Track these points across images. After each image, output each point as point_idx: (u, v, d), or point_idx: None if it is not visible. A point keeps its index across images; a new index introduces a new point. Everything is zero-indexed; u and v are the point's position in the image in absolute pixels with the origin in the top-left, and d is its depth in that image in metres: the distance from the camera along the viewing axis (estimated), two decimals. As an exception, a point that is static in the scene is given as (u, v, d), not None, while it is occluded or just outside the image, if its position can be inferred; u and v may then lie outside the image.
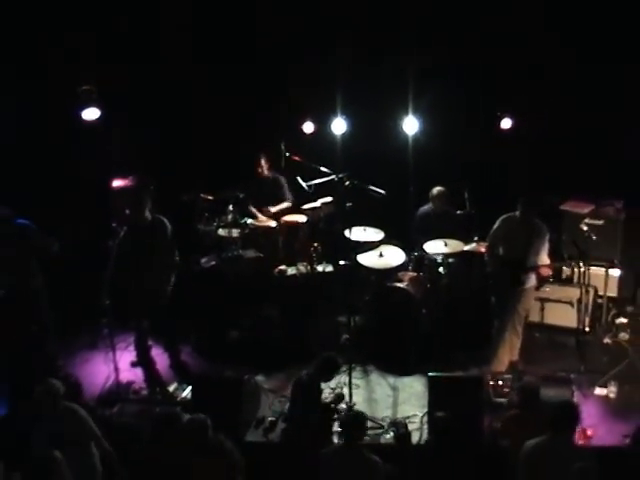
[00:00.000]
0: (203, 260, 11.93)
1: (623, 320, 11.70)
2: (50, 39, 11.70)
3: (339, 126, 11.89)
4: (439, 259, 11.55)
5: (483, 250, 11.19)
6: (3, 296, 10.30)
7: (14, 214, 10.40)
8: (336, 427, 9.41)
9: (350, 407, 9.93)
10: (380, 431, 9.70)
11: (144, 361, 10.64)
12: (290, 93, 12.58)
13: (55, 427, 7.87)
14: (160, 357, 10.94)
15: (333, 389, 10.39)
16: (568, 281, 11.91)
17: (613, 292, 11.93)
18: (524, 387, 8.59)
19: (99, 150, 11.51)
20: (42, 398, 7.91)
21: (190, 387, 10.29)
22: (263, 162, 12.41)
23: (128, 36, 12.03)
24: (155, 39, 12.23)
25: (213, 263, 11.87)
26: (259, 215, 12.40)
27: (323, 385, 9.67)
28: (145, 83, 12.11)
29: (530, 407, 8.28)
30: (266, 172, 12.47)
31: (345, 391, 10.12)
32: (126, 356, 10.99)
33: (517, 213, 10.53)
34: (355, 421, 8.00)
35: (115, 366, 10.30)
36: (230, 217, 11.97)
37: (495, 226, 10.77)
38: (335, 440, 9.24)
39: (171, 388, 10.53)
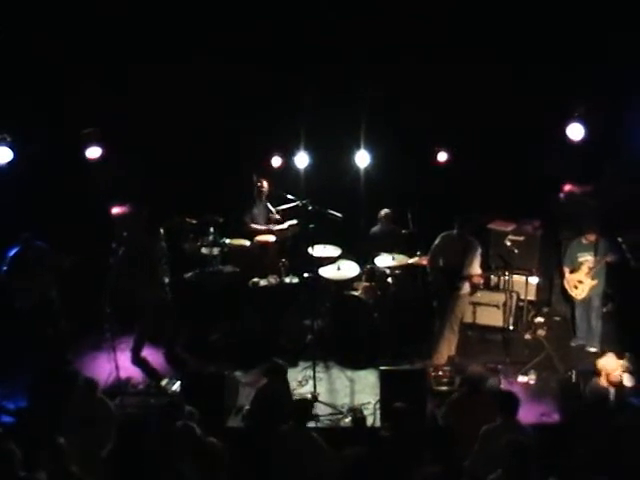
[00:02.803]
0: (189, 274, 11.95)
1: (540, 319, 12.13)
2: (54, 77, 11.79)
3: (302, 160, 12.04)
4: (388, 271, 11.66)
5: (425, 263, 11.28)
6: (26, 305, 10.50)
7: (32, 237, 10.61)
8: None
9: (314, 396, 10.09)
10: (340, 416, 9.84)
11: (139, 361, 10.80)
12: (261, 133, 12.64)
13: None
14: (155, 355, 11.10)
15: (300, 382, 10.60)
16: (495, 288, 12.01)
17: (532, 296, 12.09)
18: (470, 375, 8.71)
19: (101, 181, 11.55)
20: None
21: (179, 381, 10.34)
22: (265, 185, 12.60)
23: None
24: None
25: (197, 277, 11.90)
26: (258, 227, 12.48)
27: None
28: (139, 132, 12.15)
29: (475, 392, 8.44)
30: (265, 195, 12.64)
31: (310, 383, 10.33)
32: (125, 355, 11.02)
33: (454, 231, 10.74)
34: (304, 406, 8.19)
35: (116, 364, 10.38)
36: (211, 238, 11.98)
37: (436, 242, 10.95)
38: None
39: (163, 382, 10.54)
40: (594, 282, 11.05)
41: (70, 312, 11.19)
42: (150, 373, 10.69)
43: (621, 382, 8.74)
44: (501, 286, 11.80)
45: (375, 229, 12.47)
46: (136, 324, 10.92)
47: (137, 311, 10.80)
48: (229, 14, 12.13)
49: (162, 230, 10.85)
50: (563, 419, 9.35)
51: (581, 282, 11.11)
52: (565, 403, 9.48)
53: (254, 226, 12.48)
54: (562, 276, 11.56)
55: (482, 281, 11.16)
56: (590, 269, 11.02)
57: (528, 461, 6.81)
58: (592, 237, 11.02)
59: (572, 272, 11.21)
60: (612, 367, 8.80)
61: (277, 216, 12.62)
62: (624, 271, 10.95)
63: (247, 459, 8.27)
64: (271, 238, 12.40)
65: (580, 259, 11.13)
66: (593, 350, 11.15)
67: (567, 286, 11.35)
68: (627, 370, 9.92)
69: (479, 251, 10.71)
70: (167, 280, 10.95)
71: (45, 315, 10.68)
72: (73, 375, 9.35)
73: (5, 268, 10.58)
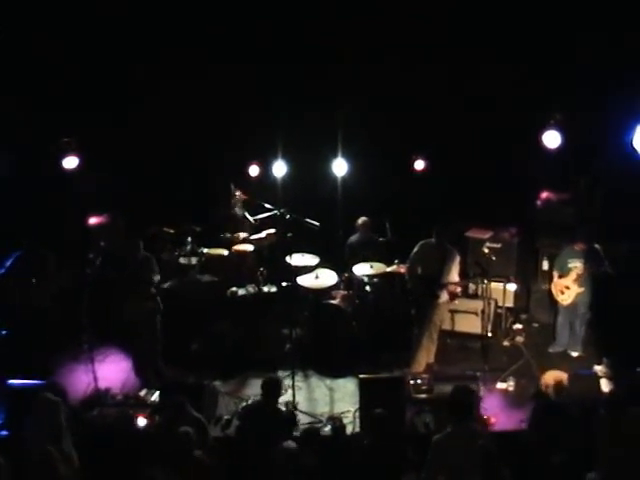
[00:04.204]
0: (166, 284, 11.77)
1: (519, 326, 12.11)
2: (31, 90, 11.78)
3: (280, 169, 12.05)
4: (366, 279, 11.62)
5: (402, 271, 11.30)
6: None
7: (36, 244, 10.57)
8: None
9: (294, 406, 10.07)
10: (320, 425, 9.74)
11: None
12: (239, 142, 12.68)
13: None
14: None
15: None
16: (473, 295, 12.04)
17: (510, 303, 12.09)
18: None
19: (78, 191, 11.50)
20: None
21: (158, 392, 10.25)
22: (238, 195, 12.56)
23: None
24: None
25: (175, 286, 11.80)
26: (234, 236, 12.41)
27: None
28: (116, 140, 12.17)
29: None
30: (238, 207, 12.61)
31: (289, 392, 10.25)
32: (103, 367, 11.04)
33: (432, 239, 10.75)
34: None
35: (94, 376, 10.29)
36: (189, 247, 11.99)
37: (414, 250, 10.93)
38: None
39: (142, 393, 10.48)
40: (581, 289, 11.10)
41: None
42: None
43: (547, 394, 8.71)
44: (479, 293, 11.76)
45: (353, 237, 12.43)
46: (134, 340, 10.90)
47: (121, 323, 10.78)
48: (210, 24, 12.20)
49: (140, 242, 10.77)
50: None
51: (568, 288, 11.16)
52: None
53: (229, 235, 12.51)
54: (550, 280, 11.60)
55: (460, 289, 11.18)
56: (579, 276, 11.07)
57: (500, 465, 6.83)
58: (582, 245, 11.09)
59: (561, 277, 11.25)
60: (547, 380, 8.75)
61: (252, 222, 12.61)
62: (603, 278, 11.01)
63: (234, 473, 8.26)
64: (249, 247, 12.37)
65: (570, 265, 11.17)
66: (575, 354, 11.28)
67: (554, 290, 11.40)
68: (605, 375, 10.03)
69: (457, 259, 10.72)
70: (153, 291, 10.87)
71: (35, 322, 10.66)
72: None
73: (3, 269, 10.57)
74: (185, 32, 12.27)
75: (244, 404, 9.79)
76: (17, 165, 11.23)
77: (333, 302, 11.51)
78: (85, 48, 12.00)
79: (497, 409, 9.93)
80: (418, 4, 11.92)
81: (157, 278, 10.82)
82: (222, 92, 12.46)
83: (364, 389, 9.68)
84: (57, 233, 11.65)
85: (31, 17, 11.55)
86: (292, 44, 12.30)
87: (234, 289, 11.96)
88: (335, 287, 11.85)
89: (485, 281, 10.94)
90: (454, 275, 10.71)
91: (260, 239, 12.35)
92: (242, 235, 12.46)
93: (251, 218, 12.32)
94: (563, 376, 8.64)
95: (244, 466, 8.17)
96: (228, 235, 12.38)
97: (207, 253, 12.22)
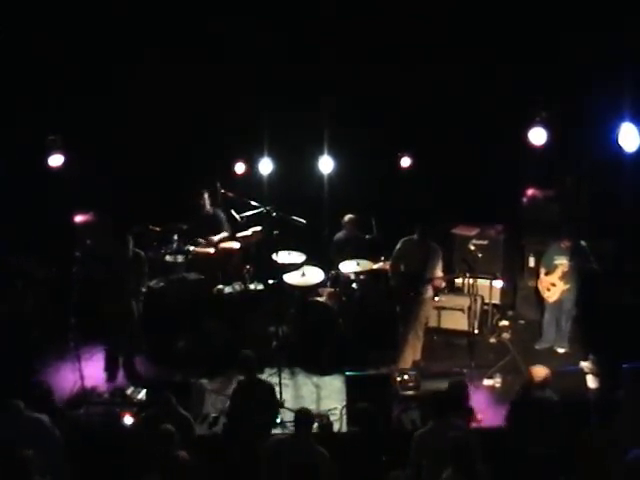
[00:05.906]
0: (153, 282, 11.80)
1: (505, 323, 12.20)
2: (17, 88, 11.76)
3: (266, 166, 12.03)
4: (352, 276, 11.68)
5: (389, 268, 11.39)
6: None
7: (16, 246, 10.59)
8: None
9: (280, 404, 10.04)
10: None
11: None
12: (225, 139, 12.67)
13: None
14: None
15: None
16: (460, 292, 12.05)
17: (496, 300, 12.13)
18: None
19: (64, 189, 11.48)
20: None
21: (145, 390, 10.23)
22: (206, 198, 12.44)
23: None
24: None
25: (162, 285, 11.79)
26: (203, 243, 12.35)
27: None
28: (103, 139, 12.18)
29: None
30: (208, 207, 12.50)
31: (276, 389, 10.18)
32: (90, 365, 10.96)
33: (415, 236, 10.83)
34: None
35: (80, 374, 10.21)
36: (175, 245, 11.97)
37: (397, 247, 11.02)
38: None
39: (129, 391, 10.49)
40: (567, 286, 11.17)
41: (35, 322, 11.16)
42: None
43: None
44: (465, 290, 11.80)
45: (339, 235, 12.43)
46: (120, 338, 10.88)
47: (105, 321, 10.75)
48: (200, 23, 12.19)
49: (130, 237, 10.74)
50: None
51: (554, 285, 11.23)
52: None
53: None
54: (537, 277, 11.67)
55: (443, 284, 11.27)
56: (564, 273, 11.13)
57: (473, 455, 6.85)
58: (567, 242, 11.13)
59: (547, 274, 11.32)
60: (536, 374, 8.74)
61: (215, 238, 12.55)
62: (589, 275, 11.06)
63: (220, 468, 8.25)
64: (235, 245, 12.35)
65: (556, 262, 11.24)
66: (562, 351, 11.34)
67: (540, 287, 11.47)
68: (591, 372, 10.09)
69: (440, 255, 10.81)
70: (143, 289, 10.94)
71: (16, 323, 10.66)
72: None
73: None
74: (176, 32, 12.23)
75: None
76: (5, 163, 11.17)
77: (319, 299, 11.52)
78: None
79: (484, 405, 9.97)
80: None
81: (144, 281, 10.89)
82: (209, 87, 12.42)
83: (351, 386, 9.71)
84: (43, 231, 11.61)
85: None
86: (278, 43, 12.27)
87: (220, 287, 11.96)
88: (322, 284, 11.89)
89: (469, 276, 11.05)
90: (437, 271, 10.80)
91: (246, 237, 12.27)
92: (216, 237, 12.43)
93: (237, 216, 12.28)
94: (548, 372, 8.63)
95: (232, 462, 8.19)
96: (201, 241, 12.34)
97: (193, 251, 12.16)
